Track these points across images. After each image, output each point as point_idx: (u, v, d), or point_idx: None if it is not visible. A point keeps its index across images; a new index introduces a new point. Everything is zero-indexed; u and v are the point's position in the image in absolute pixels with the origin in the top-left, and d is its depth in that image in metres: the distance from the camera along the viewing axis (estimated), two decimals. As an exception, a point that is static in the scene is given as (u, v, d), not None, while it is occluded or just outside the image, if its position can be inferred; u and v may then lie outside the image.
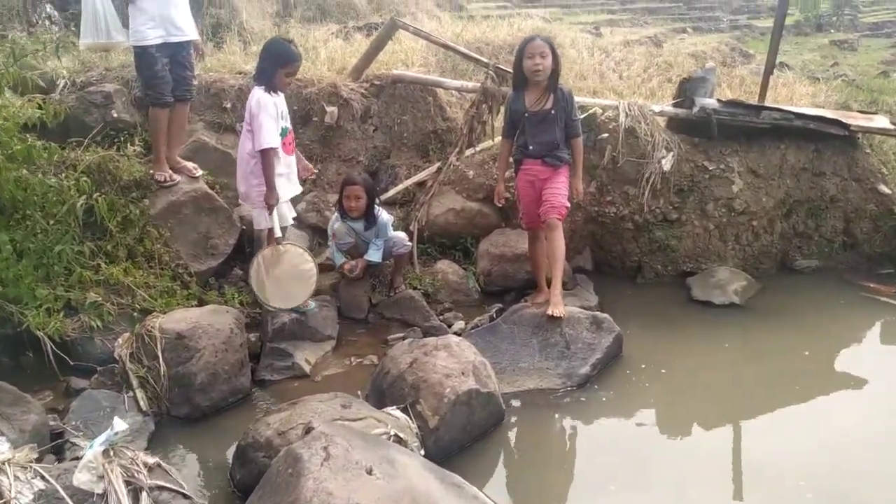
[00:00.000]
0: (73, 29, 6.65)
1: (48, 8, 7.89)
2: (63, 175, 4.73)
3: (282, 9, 11.13)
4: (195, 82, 5.18)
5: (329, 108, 5.85)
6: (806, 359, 4.81)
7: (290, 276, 4.65)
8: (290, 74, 4.54)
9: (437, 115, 6.19)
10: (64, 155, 4.94)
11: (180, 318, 4.23)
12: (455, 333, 4.83)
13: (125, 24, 4.96)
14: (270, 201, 4.49)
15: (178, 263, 4.96)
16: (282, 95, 4.60)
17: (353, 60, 6.41)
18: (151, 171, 5.04)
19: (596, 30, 13.78)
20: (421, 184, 5.88)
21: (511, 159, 5.04)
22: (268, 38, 7.77)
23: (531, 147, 4.77)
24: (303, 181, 5.07)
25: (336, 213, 5.20)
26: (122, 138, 5.36)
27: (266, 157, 4.41)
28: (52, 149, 4.63)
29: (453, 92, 6.33)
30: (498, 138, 5.90)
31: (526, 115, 4.74)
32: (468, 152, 5.89)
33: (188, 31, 4.93)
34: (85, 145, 5.12)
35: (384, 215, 5.15)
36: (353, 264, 5.10)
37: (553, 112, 4.70)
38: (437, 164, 5.89)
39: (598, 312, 4.66)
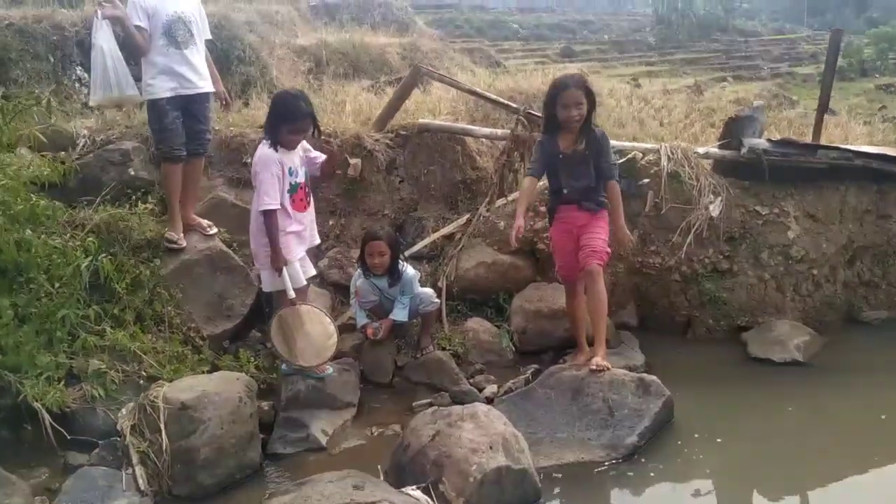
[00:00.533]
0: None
1: (78, 70, 7.85)
2: (68, 235, 4.49)
3: (314, 66, 11.07)
4: (209, 136, 4.96)
5: (352, 160, 5.58)
6: (880, 421, 4.28)
7: (315, 335, 4.31)
8: (295, 132, 4.23)
9: (466, 164, 5.87)
10: (73, 214, 4.73)
11: (186, 387, 3.90)
12: (486, 398, 4.43)
13: (137, 79, 4.80)
14: (276, 265, 4.20)
15: (190, 327, 4.66)
16: (295, 150, 4.32)
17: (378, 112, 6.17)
18: (166, 229, 4.79)
19: (634, 81, 13.52)
20: (449, 237, 5.54)
21: (546, 208, 4.69)
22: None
23: (566, 191, 4.42)
24: (319, 242, 4.77)
25: (358, 270, 4.87)
26: (136, 196, 5.16)
27: (266, 219, 4.13)
28: (57, 208, 4.42)
29: (483, 140, 6.02)
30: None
31: (560, 156, 4.40)
32: (499, 202, 5.55)
33: (202, 83, 4.73)
34: (97, 204, 4.92)
35: (409, 271, 4.81)
36: (377, 326, 4.74)
37: (587, 153, 4.36)
38: (467, 216, 5.55)
39: (644, 374, 4.19)
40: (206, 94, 4.81)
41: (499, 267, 5.32)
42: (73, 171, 5.02)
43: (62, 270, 4.34)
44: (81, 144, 5.76)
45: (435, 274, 5.40)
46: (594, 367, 4.18)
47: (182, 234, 4.76)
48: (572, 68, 13.22)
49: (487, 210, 5.45)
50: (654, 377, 4.14)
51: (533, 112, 5.46)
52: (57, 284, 4.31)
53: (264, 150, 4.16)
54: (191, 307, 4.71)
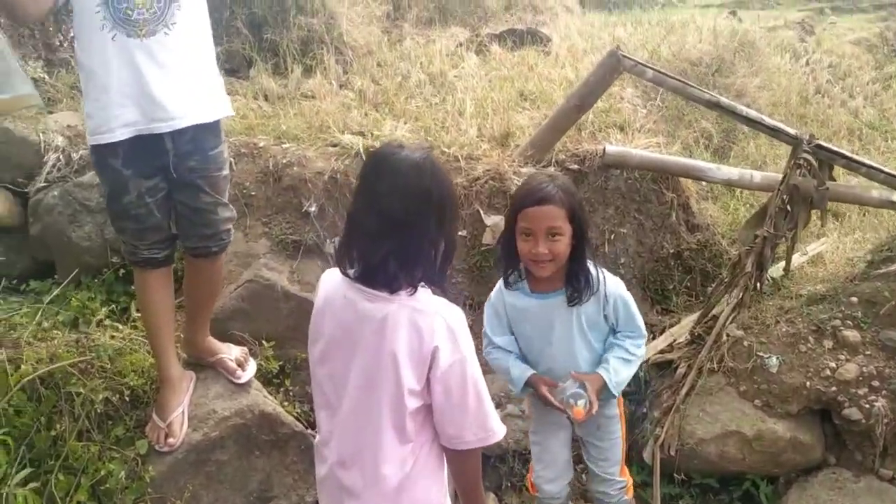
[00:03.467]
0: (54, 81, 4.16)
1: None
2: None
3: (392, 10, 8.65)
4: (229, 215, 2.40)
5: (490, 220, 3.21)
6: None
7: None
8: None
9: (683, 224, 3.43)
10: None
11: None
12: None
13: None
14: None
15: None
16: None
17: (521, 118, 3.71)
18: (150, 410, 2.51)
19: (733, 14, 10.67)
20: (660, 364, 3.17)
21: None
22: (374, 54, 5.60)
23: None
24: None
25: (499, 284, 2.36)
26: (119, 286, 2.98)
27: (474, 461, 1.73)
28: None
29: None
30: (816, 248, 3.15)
31: None
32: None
33: (184, 110, 2.16)
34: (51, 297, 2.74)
35: (611, 282, 2.24)
36: (585, 397, 2.15)
37: None
38: (689, 322, 3.16)
39: None
40: (200, 130, 2.22)
41: (767, 443, 2.86)
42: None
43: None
44: (50, 165, 3.63)
45: (636, 430, 3.06)
46: None
47: (175, 419, 2.43)
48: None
49: (736, 322, 3.04)
50: None
51: (826, 145, 2.97)
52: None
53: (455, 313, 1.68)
54: (206, 532, 2.50)
